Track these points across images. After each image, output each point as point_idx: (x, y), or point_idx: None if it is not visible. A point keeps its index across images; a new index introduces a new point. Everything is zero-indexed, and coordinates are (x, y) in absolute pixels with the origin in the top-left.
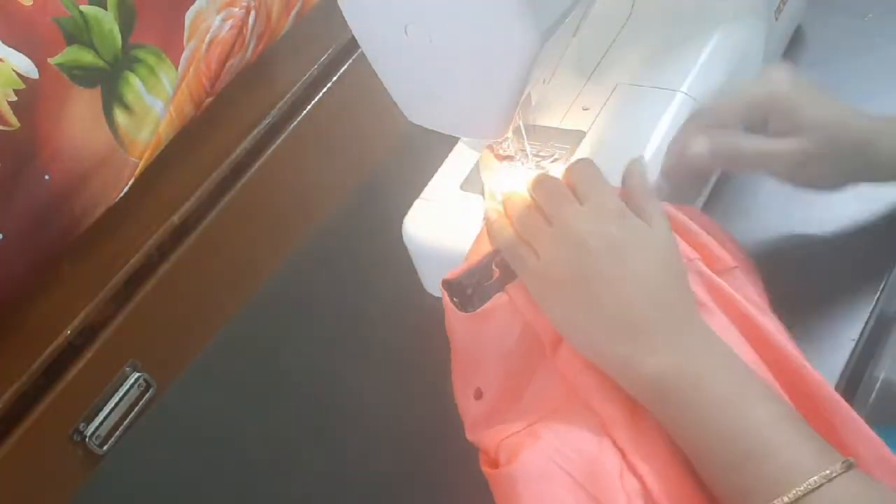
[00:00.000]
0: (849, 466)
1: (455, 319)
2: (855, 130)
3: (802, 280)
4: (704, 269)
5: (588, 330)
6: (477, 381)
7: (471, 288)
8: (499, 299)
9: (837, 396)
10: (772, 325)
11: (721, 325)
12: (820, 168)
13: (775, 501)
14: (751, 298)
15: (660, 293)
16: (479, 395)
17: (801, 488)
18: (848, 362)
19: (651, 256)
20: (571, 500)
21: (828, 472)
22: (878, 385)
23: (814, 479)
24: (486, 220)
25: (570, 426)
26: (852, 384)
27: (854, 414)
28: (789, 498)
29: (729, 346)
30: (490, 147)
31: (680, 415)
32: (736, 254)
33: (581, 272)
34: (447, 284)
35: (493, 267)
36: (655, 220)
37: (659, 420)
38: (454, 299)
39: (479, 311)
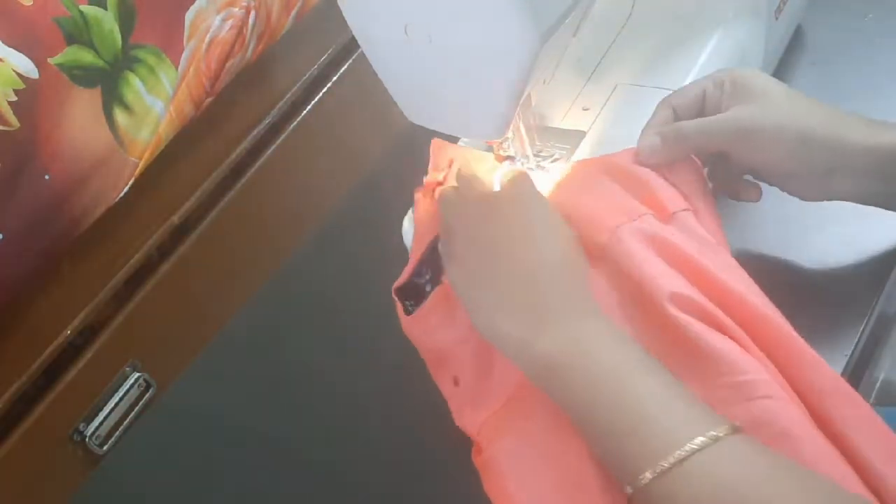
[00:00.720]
0: (734, 430)
1: (407, 323)
2: (818, 132)
3: (802, 280)
4: (648, 225)
5: (481, 302)
6: (450, 370)
7: (427, 284)
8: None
9: (790, 329)
10: (722, 263)
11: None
12: (792, 164)
13: (661, 463)
14: (703, 238)
15: (556, 276)
16: (455, 382)
17: (685, 450)
18: (848, 362)
19: (551, 242)
20: (552, 475)
21: (713, 433)
22: (878, 385)
23: (699, 441)
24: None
25: (535, 403)
26: (852, 384)
27: (808, 347)
28: (675, 458)
29: (620, 330)
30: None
31: (569, 390)
32: (691, 186)
33: (482, 247)
34: (400, 292)
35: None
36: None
37: (551, 397)
38: (408, 303)
39: (422, 307)
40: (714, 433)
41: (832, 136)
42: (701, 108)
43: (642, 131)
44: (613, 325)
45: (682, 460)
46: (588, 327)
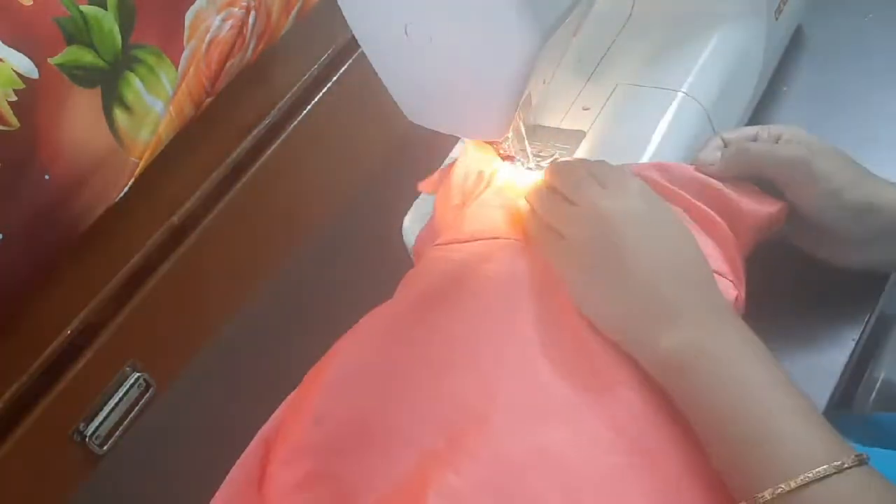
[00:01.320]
0: (861, 461)
1: None
2: (864, 190)
3: (803, 280)
4: None
5: (610, 305)
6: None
7: None
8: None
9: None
10: None
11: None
12: (830, 222)
13: (781, 485)
14: None
15: (684, 271)
16: None
17: (810, 475)
18: (848, 362)
19: (676, 234)
20: None
21: (838, 462)
22: (878, 385)
23: (822, 469)
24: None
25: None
26: (852, 384)
27: None
28: (795, 483)
29: (751, 332)
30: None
31: (695, 392)
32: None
33: (607, 248)
34: None
35: None
36: None
37: (673, 397)
38: None
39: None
40: (838, 462)
41: (872, 198)
42: (750, 148)
43: (704, 146)
44: (745, 326)
45: (803, 486)
46: (718, 328)
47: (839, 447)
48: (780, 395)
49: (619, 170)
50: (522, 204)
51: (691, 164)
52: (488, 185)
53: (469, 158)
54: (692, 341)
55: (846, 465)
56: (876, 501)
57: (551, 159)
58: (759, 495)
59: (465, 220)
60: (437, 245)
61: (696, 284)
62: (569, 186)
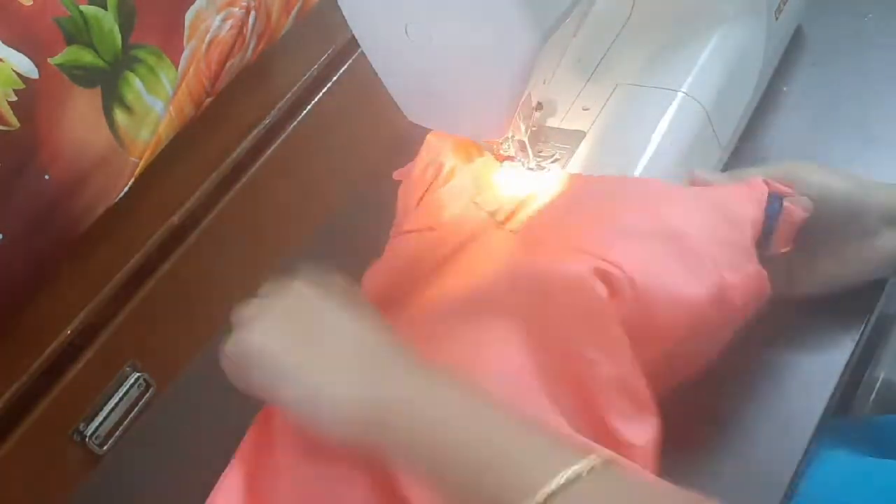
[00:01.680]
0: (605, 464)
1: None
2: (846, 191)
3: None
4: None
5: (311, 385)
6: None
7: None
8: None
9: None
10: None
11: None
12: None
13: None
14: None
15: (377, 343)
16: None
17: (551, 487)
18: (848, 362)
19: (345, 318)
20: None
21: (578, 467)
22: (878, 385)
23: (563, 476)
24: None
25: None
26: (852, 384)
27: None
28: (539, 498)
29: (445, 372)
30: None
31: (404, 445)
32: None
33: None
34: None
35: None
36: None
37: (392, 465)
38: None
39: None
40: (579, 467)
41: (878, 200)
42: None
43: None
44: (431, 368)
45: (548, 498)
46: (398, 373)
47: (574, 453)
48: (490, 417)
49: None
50: (481, 198)
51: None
52: (449, 178)
53: (431, 150)
54: (398, 391)
55: (586, 469)
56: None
57: (551, 159)
58: None
59: (419, 210)
60: (393, 235)
61: (388, 349)
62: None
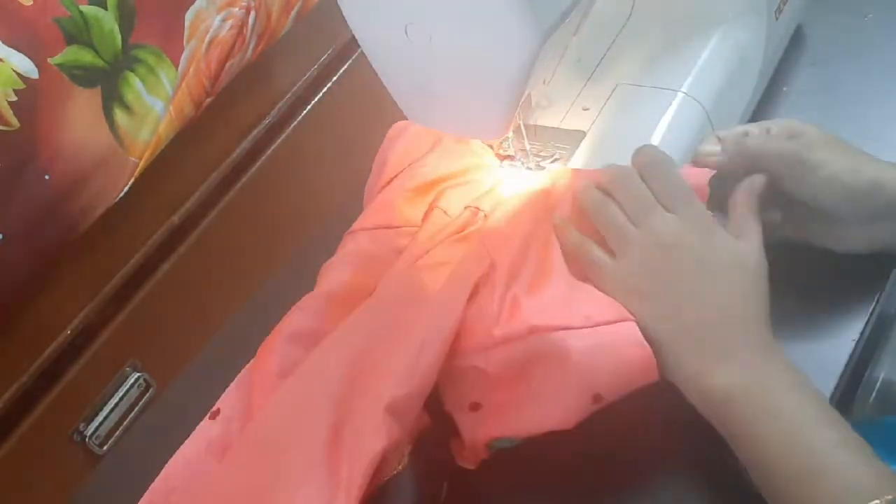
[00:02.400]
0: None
1: None
2: (866, 172)
3: (803, 280)
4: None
5: (664, 336)
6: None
7: None
8: None
9: None
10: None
11: None
12: (835, 211)
13: None
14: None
15: (739, 313)
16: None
17: None
18: (848, 362)
19: (736, 277)
20: None
21: (890, 497)
22: (878, 385)
23: (875, 503)
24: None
25: None
26: (852, 384)
27: None
28: None
29: (801, 372)
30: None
31: (744, 430)
32: None
33: (666, 281)
34: None
35: None
36: (748, 239)
37: (719, 429)
38: None
39: None
40: (890, 497)
41: (876, 178)
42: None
43: (702, 141)
44: (791, 364)
45: None
46: (767, 364)
47: (888, 481)
48: (827, 430)
49: (683, 190)
50: (444, 203)
51: (692, 160)
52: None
53: (399, 152)
54: (740, 379)
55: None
56: None
57: (551, 159)
58: None
59: (372, 208)
60: (349, 232)
61: (747, 321)
62: (631, 203)
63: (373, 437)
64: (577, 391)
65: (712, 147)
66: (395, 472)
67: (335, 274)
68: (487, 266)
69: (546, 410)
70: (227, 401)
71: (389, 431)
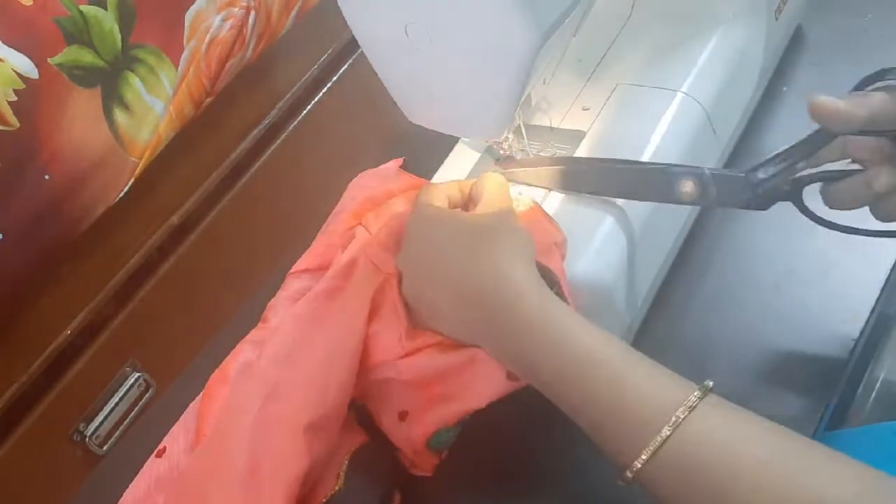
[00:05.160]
0: (706, 390)
1: None
2: None
3: (803, 280)
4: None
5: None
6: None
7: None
8: None
9: None
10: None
11: None
12: None
13: (642, 455)
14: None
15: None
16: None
17: (667, 430)
18: (848, 362)
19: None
20: None
21: (689, 402)
22: (878, 385)
23: (677, 414)
24: None
25: None
26: (852, 384)
27: None
28: (654, 447)
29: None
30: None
31: (554, 373)
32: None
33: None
34: None
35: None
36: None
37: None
38: None
39: None
40: (688, 402)
41: None
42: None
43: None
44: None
45: (666, 440)
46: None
47: (682, 387)
48: (617, 349)
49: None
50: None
51: (809, 112)
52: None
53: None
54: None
55: (694, 402)
56: (738, 423)
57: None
58: (633, 466)
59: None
60: (290, 273)
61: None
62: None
63: (294, 460)
64: (490, 379)
65: (833, 99)
66: (333, 491)
67: (282, 312)
68: (382, 280)
69: (467, 394)
70: (173, 438)
71: (311, 450)
